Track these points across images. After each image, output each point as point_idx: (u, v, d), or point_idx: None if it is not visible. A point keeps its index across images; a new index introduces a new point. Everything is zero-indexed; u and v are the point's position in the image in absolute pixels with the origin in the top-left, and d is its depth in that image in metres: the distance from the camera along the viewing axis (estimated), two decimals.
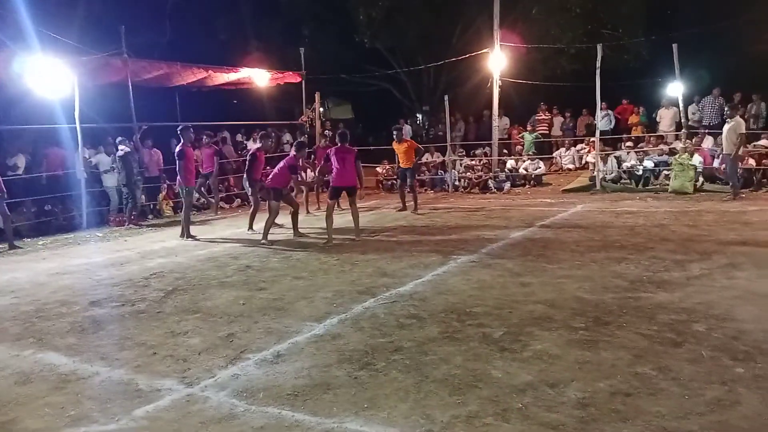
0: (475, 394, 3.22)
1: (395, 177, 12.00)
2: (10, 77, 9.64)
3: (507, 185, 13.54)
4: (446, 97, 14.54)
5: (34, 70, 9.47)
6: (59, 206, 10.96)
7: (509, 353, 3.76)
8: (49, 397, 3.47)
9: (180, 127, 8.89)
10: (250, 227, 9.27)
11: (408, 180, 10.88)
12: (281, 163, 8.42)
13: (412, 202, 10.75)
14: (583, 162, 14.78)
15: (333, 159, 8.01)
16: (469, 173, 14.31)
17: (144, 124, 11.58)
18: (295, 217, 8.71)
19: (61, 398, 3.44)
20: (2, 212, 8.93)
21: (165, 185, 12.26)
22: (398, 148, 11.01)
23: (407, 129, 17.49)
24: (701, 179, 11.63)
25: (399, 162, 11.31)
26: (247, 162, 9.19)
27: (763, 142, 12.01)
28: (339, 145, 8.15)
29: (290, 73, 14.56)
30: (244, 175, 9.58)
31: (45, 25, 10.73)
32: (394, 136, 11.06)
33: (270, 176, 8.46)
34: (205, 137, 12.03)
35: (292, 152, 8.79)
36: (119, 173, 10.75)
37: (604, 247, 6.79)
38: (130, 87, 11.01)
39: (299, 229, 8.68)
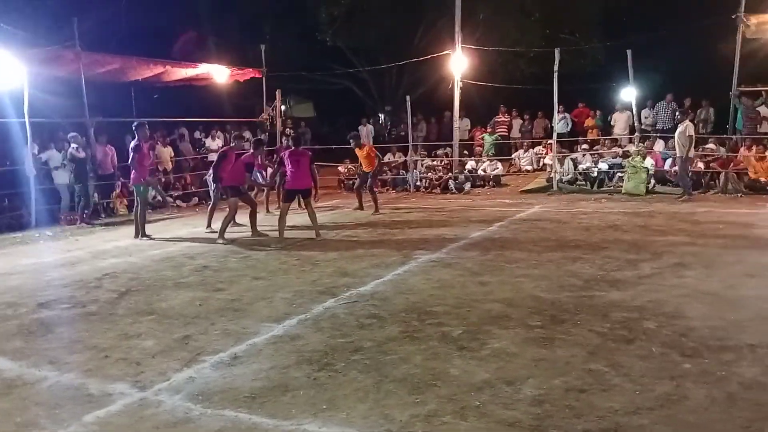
0: (433, 392, 3.24)
1: (356, 177, 12.02)
2: None
3: (467, 186, 13.69)
4: (408, 98, 14.60)
5: None
6: (6, 203, 10.51)
7: (468, 352, 3.80)
8: None
9: (135, 124, 8.63)
10: (208, 225, 9.11)
11: (368, 182, 10.91)
12: (237, 162, 8.35)
13: (372, 203, 10.76)
14: (541, 164, 15.08)
15: (287, 162, 8.00)
16: (430, 173, 14.41)
17: (97, 119, 11.22)
18: (253, 216, 8.59)
19: (7, 404, 3.29)
20: None
21: (119, 183, 11.89)
22: (359, 153, 11.06)
23: (369, 129, 17.51)
24: (653, 181, 12.02)
25: (361, 165, 11.33)
26: (216, 159, 9.04)
27: (710, 146, 12.51)
28: (293, 148, 8.22)
29: (250, 69, 14.36)
30: (209, 172, 9.43)
31: None
32: (352, 144, 11.09)
33: (226, 174, 8.34)
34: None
35: (249, 150, 8.71)
36: (70, 170, 10.39)
37: (560, 247, 6.94)
38: (83, 81, 10.65)
39: (258, 229, 8.57)
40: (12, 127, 10.38)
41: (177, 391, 3.37)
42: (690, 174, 11.25)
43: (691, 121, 11.69)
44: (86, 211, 10.39)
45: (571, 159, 13.43)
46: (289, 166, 7.95)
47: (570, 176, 13.06)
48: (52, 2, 14.45)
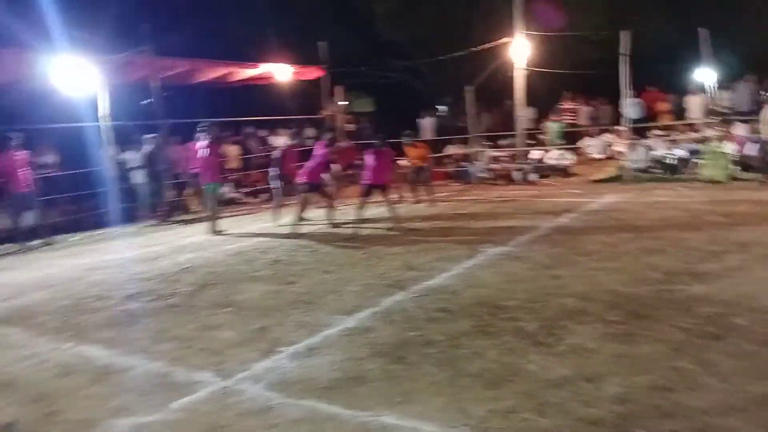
0: (510, 388, 3.19)
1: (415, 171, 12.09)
2: (36, 76, 9.81)
3: (533, 176, 13.38)
4: (468, 88, 14.38)
5: (60, 69, 9.62)
6: (90, 203, 11.16)
7: (544, 347, 3.71)
8: (90, 388, 3.54)
9: (205, 124, 8.96)
10: (275, 221, 9.37)
11: (421, 175, 10.94)
12: (314, 158, 8.68)
13: (427, 196, 10.75)
14: (611, 152, 14.53)
15: (370, 159, 8.30)
16: (493, 164, 14.18)
17: (169, 121, 11.71)
18: (329, 209, 8.88)
19: (101, 390, 3.51)
20: (36, 209, 9.13)
21: (192, 181, 12.37)
22: (411, 152, 11.16)
23: (429, 121, 17.41)
24: (734, 167, 11.34)
25: (414, 161, 11.36)
26: (277, 158, 9.33)
27: None
28: (377, 146, 8.50)
29: (311, 67, 14.59)
30: (271, 170, 9.72)
31: (70, 24, 10.89)
32: (405, 141, 11.14)
33: (303, 171, 8.62)
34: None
35: (321, 147, 8.95)
36: (145, 170, 10.92)
37: (636, 239, 6.66)
38: (155, 84, 11.14)
39: (333, 221, 8.82)
40: (90, 130, 11.00)
41: (257, 381, 3.48)
42: None
43: None
44: (162, 209, 10.89)
45: (644, 146, 12.86)
46: (372, 163, 8.26)
47: (643, 164, 12.51)
48: (122, 10, 15.17)
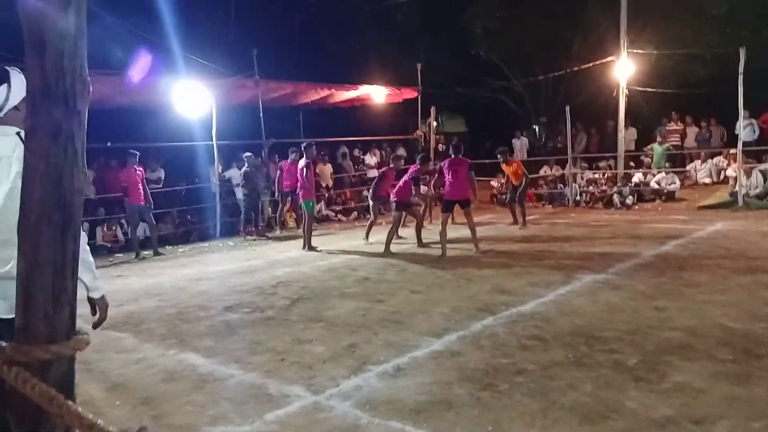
0: (608, 425, 3.03)
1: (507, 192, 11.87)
2: (157, 98, 10.71)
3: (629, 199, 12.71)
4: (567, 108, 13.99)
5: (179, 91, 10.44)
6: (196, 217, 11.95)
7: (645, 383, 3.49)
8: (191, 395, 3.74)
9: (304, 144, 9.35)
10: (366, 238, 9.56)
11: (517, 195, 10.70)
12: (405, 177, 8.85)
13: (521, 217, 10.49)
14: (722, 176, 13.52)
15: (446, 171, 8.12)
16: (591, 187, 13.64)
17: (271, 140, 12.33)
18: (419, 228, 8.96)
19: (201, 397, 3.70)
20: (150, 221, 9.90)
21: (289, 199, 12.90)
22: (507, 169, 10.94)
23: (523, 141, 17.09)
24: None
25: (510, 180, 11.15)
26: (376, 179, 9.61)
27: None
28: (452, 157, 8.22)
29: (407, 88, 14.83)
30: (371, 190, 10.03)
31: (190, 50, 11.82)
32: (499, 159, 10.94)
33: (395, 190, 8.75)
34: (292, 154, 11.14)
35: (414, 166, 9.08)
36: (245, 187, 11.54)
37: (750, 271, 6.13)
38: (261, 106, 11.80)
39: (423, 241, 8.86)
40: (200, 148, 11.81)
41: (346, 398, 3.53)
42: None
43: None
44: (260, 224, 11.43)
45: (760, 170, 11.85)
46: (448, 176, 8.05)
47: (759, 190, 11.53)
48: (232, 36, 16.24)
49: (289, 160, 11.12)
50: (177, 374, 4.12)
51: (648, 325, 4.53)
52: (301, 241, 9.39)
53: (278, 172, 12.10)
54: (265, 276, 7.34)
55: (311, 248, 9.15)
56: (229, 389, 3.81)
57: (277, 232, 11.72)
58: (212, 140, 11.31)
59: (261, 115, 11.85)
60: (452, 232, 8.89)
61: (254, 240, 10.96)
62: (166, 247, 10.42)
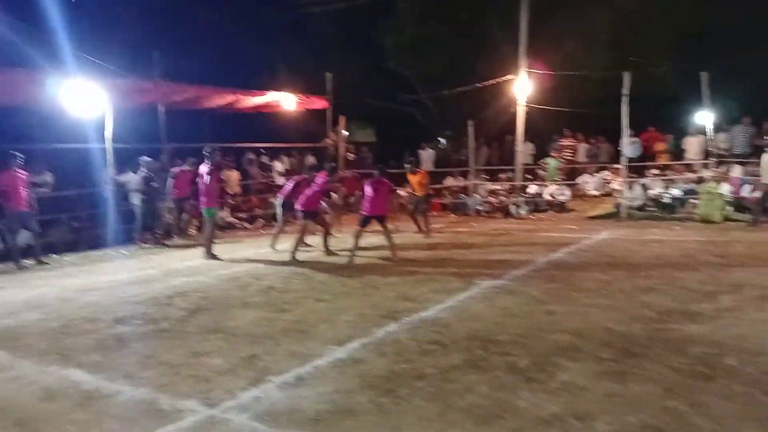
0: (501, 424, 3.15)
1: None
2: (44, 97, 9.92)
3: (523, 211, 13.42)
4: (470, 122, 14.55)
5: (70, 91, 9.74)
6: (87, 224, 11.16)
7: (535, 383, 3.68)
8: (73, 414, 3.48)
9: (207, 149, 9.03)
10: (273, 246, 9.40)
11: (420, 206, 11.05)
12: (314, 187, 8.84)
13: (425, 226, 10.80)
14: (608, 189, 14.62)
15: (368, 189, 8.38)
16: (491, 198, 14.25)
17: (172, 145, 11.80)
18: (326, 237, 8.98)
19: (85, 416, 3.45)
20: (33, 228, 9.14)
21: (190, 206, 12.40)
22: (412, 179, 11.23)
23: (429, 153, 17.55)
24: (730, 208, 11.40)
25: (413, 189, 11.45)
26: (289, 187, 9.46)
27: None
28: (376, 176, 8.58)
29: (317, 97, 14.78)
30: (278, 197, 9.85)
31: (81, 47, 11.06)
32: (407, 169, 11.35)
33: (303, 199, 8.67)
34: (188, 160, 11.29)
35: (323, 176, 9.16)
36: (143, 193, 10.97)
37: (631, 276, 6.66)
38: (161, 109, 11.27)
39: (330, 249, 8.88)
40: (93, 151, 11.06)
41: (244, 410, 3.43)
42: None
43: None
44: (158, 232, 10.87)
45: (641, 184, 12.95)
46: (370, 194, 8.32)
47: (640, 202, 12.58)
48: (133, 35, 15.43)
49: (179, 168, 10.78)
50: (58, 392, 3.82)
51: (539, 328, 4.79)
52: (202, 250, 9.04)
53: (169, 180, 11.62)
54: (161, 286, 6.98)
55: (212, 257, 8.84)
56: (116, 406, 3.58)
57: (176, 240, 11.22)
58: (106, 143, 10.63)
59: (162, 118, 11.32)
60: (360, 241, 8.96)
61: (151, 248, 10.42)
62: (52, 255, 9.64)
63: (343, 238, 9.51)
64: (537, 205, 13.88)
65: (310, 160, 15.56)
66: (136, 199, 11.34)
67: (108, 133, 10.54)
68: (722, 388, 3.54)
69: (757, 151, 12.53)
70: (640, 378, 3.71)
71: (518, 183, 14.40)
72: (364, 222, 8.44)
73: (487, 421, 3.19)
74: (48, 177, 11.24)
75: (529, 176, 15.12)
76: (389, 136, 22.82)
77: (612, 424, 3.11)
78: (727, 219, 11.14)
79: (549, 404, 3.37)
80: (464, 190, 14.82)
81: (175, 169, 11.14)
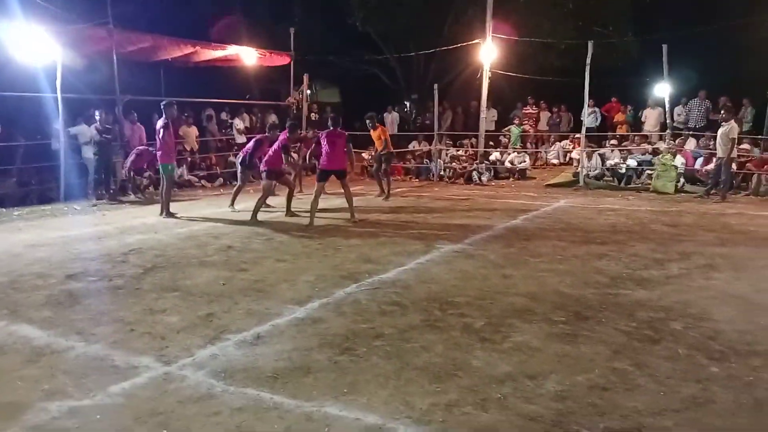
0: (455, 382, 3.23)
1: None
2: None
3: (485, 177, 13.56)
4: (435, 86, 14.47)
5: (15, 37, 9.19)
6: (37, 177, 10.72)
7: (489, 344, 3.77)
8: (23, 370, 3.40)
9: (163, 102, 8.71)
10: (231, 205, 9.25)
11: (382, 165, 10.94)
12: (274, 145, 8.57)
13: (384, 187, 10.79)
14: (568, 158, 14.88)
15: (323, 142, 8.14)
16: (454, 163, 14.32)
17: (127, 97, 11.35)
18: (289, 197, 8.83)
19: (35, 371, 3.37)
20: None
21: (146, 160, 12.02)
22: (372, 135, 11.11)
23: (394, 116, 17.44)
24: (682, 180, 11.78)
25: (376, 148, 11.36)
26: (252, 146, 9.21)
27: (745, 146, 12.19)
28: (330, 129, 8.24)
29: (278, 53, 14.37)
30: (239, 155, 9.64)
31: None
32: (368, 124, 11.06)
33: (266, 158, 8.48)
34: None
35: (284, 134, 8.83)
36: (97, 146, 10.57)
37: (585, 243, 6.85)
38: (115, 58, 10.78)
39: (292, 210, 8.75)
40: (44, 101, 10.54)
41: (200, 367, 3.42)
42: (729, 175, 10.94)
43: (736, 121, 11.28)
44: (113, 187, 10.54)
45: (599, 154, 13.22)
46: (326, 147, 8.08)
47: (597, 172, 12.85)
48: None
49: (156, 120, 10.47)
50: (6, 347, 3.72)
51: (495, 291, 4.90)
52: (159, 207, 8.83)
53: (138, 131, 11.22)
54: (116, 243, 6.81)
55: (170, 215, 8.64)
56: (68, 362, 3.51)
57: (132, 197, 10.92)
58: (57, 93, 10.13)
59: (115, 68, 10.84)
60: (322, 203, 8.88)
61: (106, 204, 10.11)
62: (1, 209, 9.26)
63: (304, 200, 9.41)
64: (498, 172, 14.04)
65: (272, 118, 15.23)
66: (88, 153, 10.94)
67: (58, 82, 10.04)
68: (667, 350, 3.71)
69: (711, 125, 12.92)
70: (590, 340, 3.85)
71: (481, 149, 14.49)
72: (322, 176, 8.22)
73: (442, 379, 3.27)
74: None
75: (492, 143, 15.22)
76: (354, 97, 22.56)
77: (561, 383, 3.23)
78: (679, 191, 11.52)
79: (502, 363, 3.47)
80: (428, 154, 14.83)
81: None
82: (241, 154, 9.64)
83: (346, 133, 8.37)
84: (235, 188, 9.67)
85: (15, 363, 3.49)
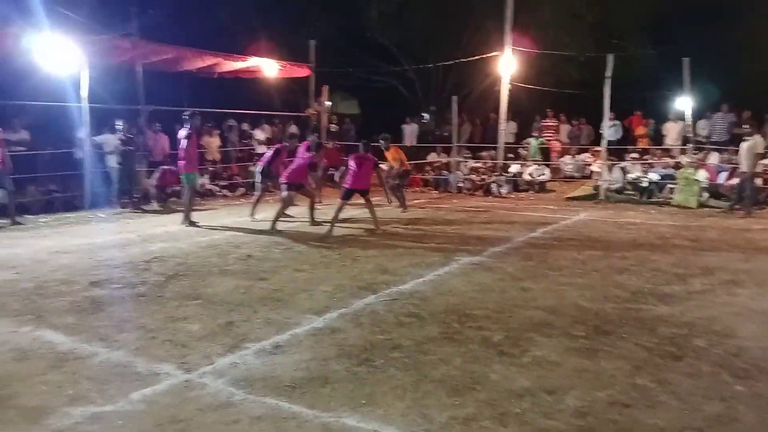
0: (473, 396, 3.22)
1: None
2: (18, 53, 9.59)
3: (504, 189, 13.51)
4: (454, 98, 14.49)
5: (43, 47, 9.43)
6: (63, 185, 10.94)
7: (508, 357, 3.75)
8: (47, 375, 3.46)
9: (188, 113, 8.86)
10: (252, 215, 9.34)
11: (401, 180, 11.09)
12: (300, 161, 8.93)
13: (404, 201, 10.84)
14: (588, 171, 14.76)
15: (352, 163, 8.45)
16: (473, 175, 14.29)
17: (150, 107, 11.55)
18: (311, 207, 9.02)
19: (59, 377, 3.43)
20: (7, 187, 8.93)
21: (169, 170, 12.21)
22: (387, 155, 11.20)
23: (413, 128, 17.47)
24: (706, 195, 11.62)
25: (390, 164, 11.41)
26: (270, 155, 9.48)
27: None
28: (361, 152, 8.62)
29: (298, 64, 14.54)
30: (259, 165, 9.78)
31: (55, 1, 10.69)
32: (381, 145, 11.05)
33: (289, 171, 8.63)
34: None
35: (304, 145, 9.27)
36: (120, 155, 10.76)
37: (606, 257, 6.78)
38: (140, 69, 11.00)
39: (312, 220, 8.90)
40: (69, 110, 10.79)
41: (220, 376, 3.45)
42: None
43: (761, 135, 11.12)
44: (136, 196, 10.72)
45: (620, 167, 13.10)
46: (354, 168, 8.38)
47: (618, 185, 12.74)
48: None
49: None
50: (31, 353, 3.79)
51: (514, 304, 4.87)
52: (180, 216, 8.95)
53: (162, 141, 11.41)
54: (139, 251, 6.92)
55: (191, 223, 8.75)
56: (91, 368, 3.56)
57: (155, 206, 11.08)
58: (82, 102, 10.35)
59: (140, 78, 11.05)
60: (342, 213, 8.96)
61: (129, 212, 10.27)
62: (26, 216, 9.47)
63: (324, 210, 9.48)
64: (517, 185, 13.98)
65: (292, 129, 15.38)
66: (112, 162, 11.14)
67: (84, 92, 10.26)
68: (689, 367, 3.65)
69: (734, 139, 12.74)
70: (610, 355, 3.81)
71: (500, 162, 14.45)
72: (347, 195, 8.44)
73: (460, 393, 3.25)
74: (24, 135, 10.95)
75: (512, 155, 15.18)
76: (373, 109, 22.66)
77: (581, 398, 3.20)
78: (702, 205, 11.36)
79: (521, 378, 3.45)
80: (446, 166, 14.83)
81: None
82: (260, 164, 9.77)
83: (374, 159, 8.71)
84: (254, 198, 9.78)
85: (39, 368, 3.55)
